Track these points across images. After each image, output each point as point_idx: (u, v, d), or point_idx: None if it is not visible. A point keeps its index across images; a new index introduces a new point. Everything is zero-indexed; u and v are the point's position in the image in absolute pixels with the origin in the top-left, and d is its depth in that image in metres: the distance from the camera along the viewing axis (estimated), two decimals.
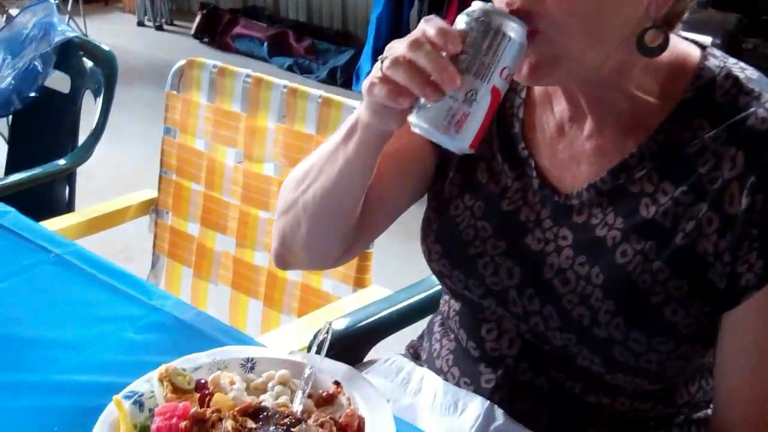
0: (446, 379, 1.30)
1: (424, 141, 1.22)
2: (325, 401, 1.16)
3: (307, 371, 1.15)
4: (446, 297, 1.37)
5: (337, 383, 1.17)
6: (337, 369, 1.19)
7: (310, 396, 1.16)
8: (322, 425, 1.08)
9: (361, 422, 1.10)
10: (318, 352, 1.18)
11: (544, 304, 1.16)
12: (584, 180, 1.15)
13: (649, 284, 1.08)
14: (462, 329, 1.30)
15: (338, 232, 1.26)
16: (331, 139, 1.19)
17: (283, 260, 1.34)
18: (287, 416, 1.08)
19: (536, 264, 1.17)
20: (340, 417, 1.11)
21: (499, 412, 1.22)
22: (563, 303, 1.14)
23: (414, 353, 1.46)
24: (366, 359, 1.56)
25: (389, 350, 1.44)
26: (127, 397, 1.12)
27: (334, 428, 1.09)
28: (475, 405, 1.24)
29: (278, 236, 1.31)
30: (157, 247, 2.25)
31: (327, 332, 1.20)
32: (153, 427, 1.06)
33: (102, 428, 1.08)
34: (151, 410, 1.11)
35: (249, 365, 1.21)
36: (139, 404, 1.12)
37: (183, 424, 1.05)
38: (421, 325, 1.49)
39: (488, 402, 1.22)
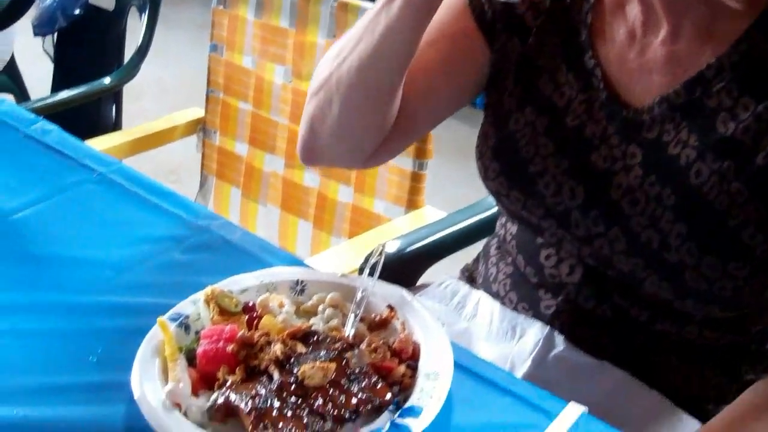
0: (503, 304, 1.26)
1: (476, 34, 1.15)
2: (378, 325, 1.11)
3: (360, 294, 1.10)
4: (503, 219, 1.33)
5: (390, 307, 1.11)
6: (391, 292, 1.13)
7: (362, 320, 1.11)
8: (374, 350, 1.03)
9: (416, 348, 1.05)
10: (371, 274, 1.13)
11: (610, 226, 1.10)
12: (656, 92, 1.07)
13: (726, 206, 1.01)
14: (520, 254, 1.25)
15: (373, 118, 1.15)
16: (373, 7, 1.08)
17: (311, 151, 1.23)
18: (339, 341, 1.03)
19: (602, 183, 1.11)
20: (393, 342, 1.06)
21: (559, 339, 1.18)
22: (631, 225, 1.08)
23: (469, 277, 1.42)
24: (419, 283, 1.52)
25: (442, 274, 1.39)
26: (173, 319, 1.08)
27: (388, 353, 1.04)
28: (534, 331, 1.20)
29: (307, 121, 1.19)
30: (205, 167, 2.20)
31: (380, 254, 1.15)
32: (199, 350, 1.02)
33: (146, 350, 1.04)
34: (197, 333, 1.07)
35: (299, 288, 1.15)
36: (185, 326, 1.08)
37: (230, 348, 1.00)
38: (476, 249, 1.45)
39: (548, 327, 1.19)
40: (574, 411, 1.00)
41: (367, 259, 1.46)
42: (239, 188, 2.13)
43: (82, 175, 1.42)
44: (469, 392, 1.03)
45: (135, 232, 1.29)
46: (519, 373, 1.18)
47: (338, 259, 1.72)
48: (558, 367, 1.17)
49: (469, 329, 1.27)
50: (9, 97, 2.69)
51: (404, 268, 1.57)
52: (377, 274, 1.12)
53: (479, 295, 1.30)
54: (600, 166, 1.11)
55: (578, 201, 1.12)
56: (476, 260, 1.42)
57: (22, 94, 2.79)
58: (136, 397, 0.97)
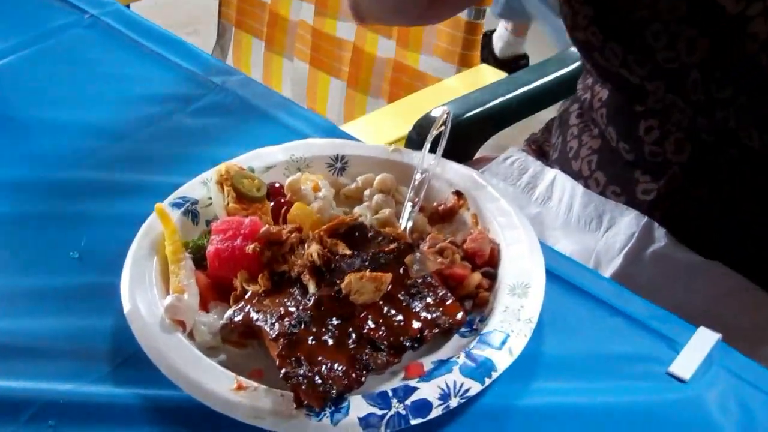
0: (587, 186, 1.09)
1: None
2: (442, 217, 0.89)
3: (418, 176, 0.86)
4: (589, 80, 1.14)
5: (458, 194, 0.89)
6: (459, 174, 0.89)
7: (421, 210, 0.89)
8: (441, 252, 0.80)
9: (494, 249, 0.82)
10: (432, 150, 0.89)
11: (740, 90, 0.92)
12: None
13: None
14: (612, 124, 1.07)
15: None
16: None
17: (355, 8, 1.06)
18: (394, 240, 0.79)
19: (732, 34, 0.90)
20: (463, 241, 0.82)
21: (660, 232, 1.01)
22: None
23: (537, 150, 1.25)
24: (475, 157, 1.35)
25: (501, 148, 1.22)
26: (176, 205, 0.87)
27: (457, 256, 0.79)
28: (628, 221, 1.03)
29: None
30: (223, 15, 2.01)
31: (444, 123, 0.90)
32: (210, 248, 0.79)
33: (141, 247, 0.82)
34: (207, 225, 0.86)
35: (338, 165, 0.94)
36: (192, 215, 0.87)
37: (250, 247, 0.77)
38: (543, 116, 1.29)
39: (645, 218, 1.02)
40: (705, 339, 0.77)
41: (416, 128, 1.21)
42: (262, 40, 1.93)
43: (71, 17, 1.23)
44: (564, 310, 0.82)
45: (133, 90, 1.11)
46: (606, 271, 1.02)
47: (378, 126, 1.53)
48: (656, 266, 1.01)
49: (540, 215, 1.10)
50: None
51: (458, 140, 1.34)
52: (441, 148, 0.87)
53: (554, 174, 1.13)
54: (730, 9, 0.90)
55: (699, 56, 0.93)
56: (546, 130, 1.26)
57: None
58: (126, 312, 0.77)
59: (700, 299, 0.97)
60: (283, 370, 0.68)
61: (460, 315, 0.76)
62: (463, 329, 0.77)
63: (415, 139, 1.24)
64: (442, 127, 0.92)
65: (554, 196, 1.11)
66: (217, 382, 0.70)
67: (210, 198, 0.87)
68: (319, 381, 0.67)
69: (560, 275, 0.84)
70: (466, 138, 1.36)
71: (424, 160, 0.91)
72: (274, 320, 0.72)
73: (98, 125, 1.01)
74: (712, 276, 1.00)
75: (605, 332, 0.79)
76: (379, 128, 1.48)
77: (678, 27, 0.94)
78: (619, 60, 0.99)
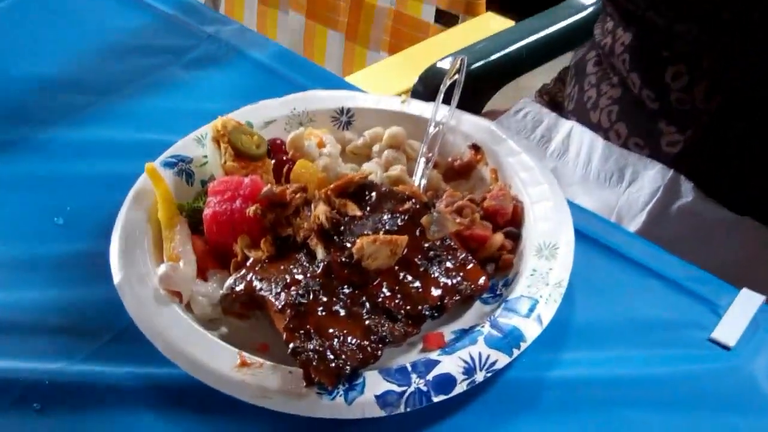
0: (607, 138, 1.04)
1: None
2: (458, 173, 0.83)
3: (432, 129, 0.79)
4: (609, 24, 1.08)
5: (475, 147, 0.83)
6: (476, 126, 0.83)
7: (435, 166, 0.83)
8: (459, 211, 0.73)
9: (517, 207, 0.75)
10: (446, 102, 0.82)
11: None
12: None
13: None
14: (635, 71, 1.01)
15: None
16: None
17: None
18: (408, 198, 0.71)
19: None
20: (482, 199, 0.75)
21: (687, 186, 0.97)
22: None
23: (550, 102, 1.19)
24: (485, 110, 1.29)
25: (511, 100, 1.17)
26: (168, 165, 0.81)
27: (477, 216, 0.73)
28: (653, 174, 0.99)
29: None
30: None
31: (459, 71, 0.83)
32: (206, 211, 0.72)
33: (131, 211, 0.74)
34: (203, 183, 0.80)
35: (344, 119, 0.88)
36: (186, 175, 0.81)
37: (251, 209, 0.70)
38: (555, 66, 1.23)
39: (671, 171, 0.97)
40: (749, 302, 0.71)
41: (422, 80, 1.18)
42: None
43: None
44: (595, 272, 0.76)
45: (119, 42, 1.05)
46: (628, 229, 0.97)
47: (380, 79, 1.46)
48: (682, 222, 0.97)
49: (556, 170, 1.05)
50: None
51: (465, 94, 1.28)
52: (456, 99, 0.80)
53: (570, 126, 1.08)
54: None
55: None
56: (559, 80, 1.21)
57: None
58: (116, 283, 0.71)
59: (729, 258, 0.92)
60: (291, 345, 0.62)
61: (482, 280, 0.69)
62: (486, 295, 0.71)
63: (422, 92, 1.18)
64: (456, 76, 0.85)
65: (571, 149, 1.06)
66: (218, 359, 0.64)
67: (205, 156, 0.81)
68: (331, 356, 0.61)
69: (588, 234, 0.78)
70: (473, 91, 1.28)
71: (438, 111, 0.84)
72: (279, 289, 0.65)
73: (83, 80, 0.97)
74: (743, 232, 0.96)
75: (640, 296, 0.73)
76: (382, 81, 1.41)
77: None
78: (646, 1, 0.93)
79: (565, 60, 1.20)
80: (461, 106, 0.91)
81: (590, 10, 1.29)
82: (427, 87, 1.20)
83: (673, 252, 0.81)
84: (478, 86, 1.30)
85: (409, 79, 1.24)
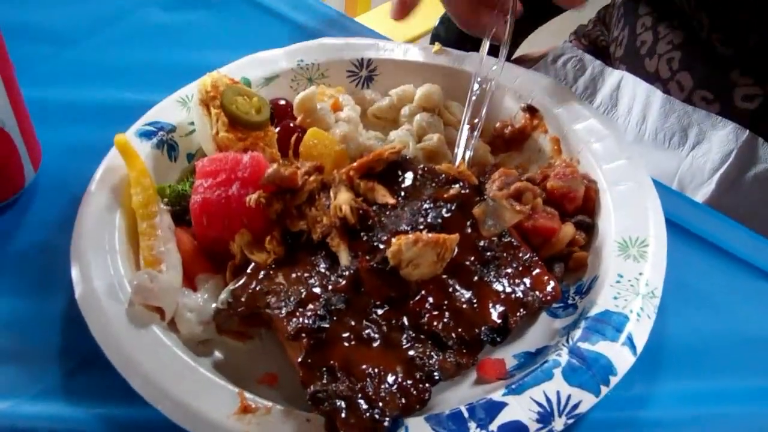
0: (667, 92, 0.94)
1: None
2: (509, 143, 0.69)
3: (476, 85, 0.64)
4: None
5: (531, 110, 0.69)
6: (532, 82, 0.68)
7: (482, 134, 0.68)
8: (518, 196, 0.57)
9: (591, 190, 0.60)
10: (492, 53, 0.70)
11: None
12: None
13: None
14: (702, 9, 0.89)
15: None
16: None
17: None
18: (454, 181, 0.56)
19: None
20: (544, 177, 0.60)
21: (766, 150, 0.87)
22: None
23: (589, 46, 1.08)
24: (515, 55, 1.16)
25: (544, 44, 1.08)
26: (145, 135, 0.66)
27: (539, 201, 0.58)
28: (723, 135, 0.91)
29: None
30: None
31: (511, 13, 0.68)
32: (195, 198, 0.56)
33: (99, 195, 0.59)
34: (190, 159, 0.66)
35: (364, 74, 0.73)
36: (168, 148, 0.67)
37: (253, 197, 0.55)
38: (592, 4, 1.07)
39: (747, 132, 0.89)
40: None
41: (444, 21, 1.07)
42: None
43: None
44: (690, 274, 0.62)
45: None
46: (694, 197, 0.88)
47: (389, 21, 1.31)
48: (761, 192, 0.87)
49: None
50: None
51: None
52: (507, 46, 0.66)
53: (620, 76, 0.98)
54: None
55: None
56: (598, 20, 1.10)
57: None
58: (77, 296, 0.56)
59: None
60: (310, 389, 0.47)
61: (551, 286, 0.55)
62: (556, 305, 0.56)
63: (443, 37, 1.08)
64: (509, 18, 0.69)
65: (621, 103, 0.98)
66: (212, 402, 0.50)
67: (192, 123, 0.68)
68: (365, 403, 0.46)
69: (678, 222, 0.65)
70: None
71: (484, 64, 0.68)
72: (291, 307, 0.51)
73: (49, 26, 0.86)
74: None
75: (751, 304, 0.60)
76: (391, 25, 1.28)
77: None
78: None
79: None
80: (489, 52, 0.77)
81: None
82: (449, 31, 1.09)
83: (747, 223, 0.71)
84: None
85: (426, 21, 1.15)
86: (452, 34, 1.12)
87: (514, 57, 1.21)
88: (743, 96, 0.89)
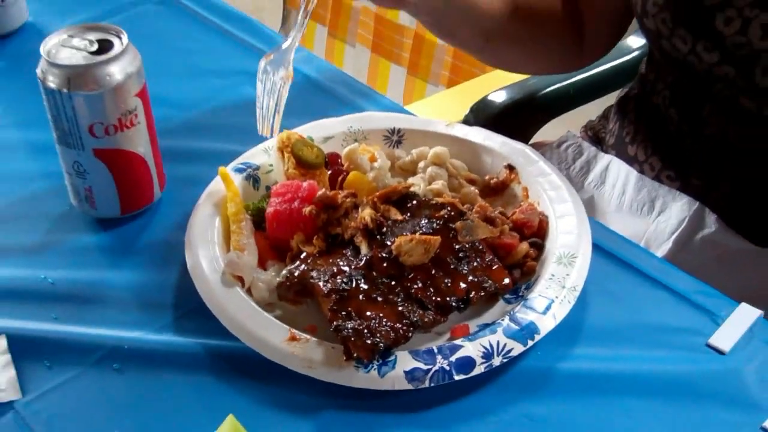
0: (642, 172, 1.08)
1: None
2: (493, 190, 0.90)
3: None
4: (654, 63, 1.12)
5: (510, 168, 0.89)
6: (512, 149, 0.90)
7: (473, 182, 0.90)
8: (491, 222, 0.81)
9: (543, 221, 0.83)
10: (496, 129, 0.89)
11: None
12: None
13: None
14: (673, 107, 1.05)
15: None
16: None
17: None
18: (444, 207, 0.81)
19: None
20: (513, 213, 0.84)
21: (711, 218, 1.00)
22: None
23: (594, 137, 1.23)
24: (531, 142, 1.33)
25: (559, 133, 1.20)
26: (238, 170, 0.89)
27: (506, 227, 0.81)
28: (680, 206, 1.02)
29: None
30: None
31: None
32: (269, 210, 0.81)
33: (204, 207, 0.84)
34: (267, 189, 0.88)
35: (395, 138, 0.95)
36: (253, 180, 0.89)
37: (307, 209, 0.79)
38: (602, 104, 1.27)
39: (697, 203, 1.00)
40: (747, 314, 0.78)
41: (473, 111, 1.25)
42: (325, 25, 1.92)
43: None
44: (610, 281, 0.82)
45: (201, 64, 1.13)
46: (656, 253, 0.99)
47: (435, 109, 1.51)
48: (705, 251, 1.00)
49: (593, 200, 1.09)
50: None
51: (514, 123, 1.34)
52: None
53: (609, 159, 1.11)
54: None
55: None
56: (603, 117, 1.24)
57: None
58: (189, 267, 0.79)
59: (748, 286, 0.93)
60: (334, 323, 0.71)
61: (506, 280, 0.78)
62: (509, 296, 0.79)
63: (472, 122, 1.25)
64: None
65: (608, 180, 1.10)
66: (272, 334, 0.72)
67: (271, 165, 0.89)
68: (368, 334, 0.70)
69: (609, 250, 0.85)
70: (522, 123, 1.36)
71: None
72: (327, 278, 0.75)
73: (166, 96, 1.01)
74: (762, 263, 0.99)
75: (648, 304, 0.80)
76: (436, 111, 1.46)
77: (751, 11, 0.90)
78: (688, 48, 0.96)
79: (610, 99, 1.24)
80: (510, 135, 0.96)
81: (636, 54, 1.35)
82: (477, 117, 1.28)
83: (698, 278, 0.85)
84: (527, 119, 1.37)
85: (462, 109, 1.30)
86: (479, 120, 1.28)
87: (531, 142, 1.31)
88: (697, 175, 1.02)
